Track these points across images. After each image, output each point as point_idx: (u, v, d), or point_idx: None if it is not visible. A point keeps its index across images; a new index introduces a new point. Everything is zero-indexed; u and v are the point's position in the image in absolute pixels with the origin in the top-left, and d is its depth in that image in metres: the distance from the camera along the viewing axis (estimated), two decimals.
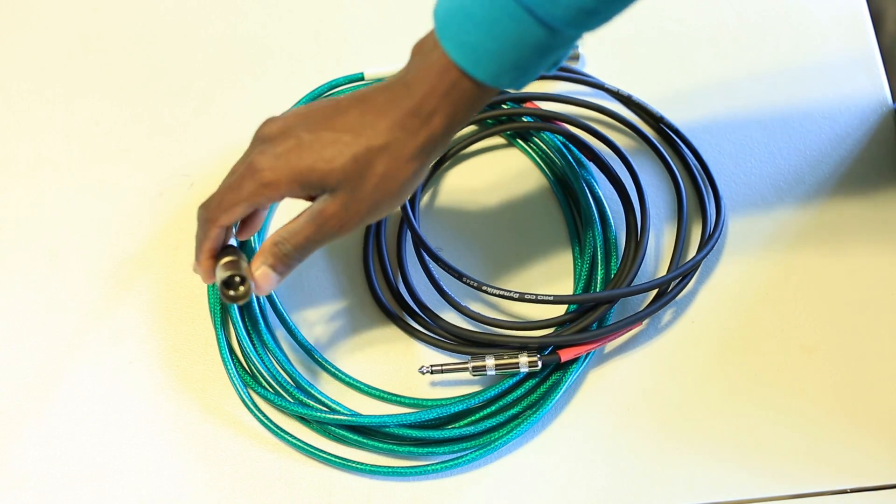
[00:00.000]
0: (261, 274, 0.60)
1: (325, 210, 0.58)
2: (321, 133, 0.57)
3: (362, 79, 0.76)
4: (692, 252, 0.73)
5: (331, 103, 0.59)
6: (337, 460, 0.66)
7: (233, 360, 0.68)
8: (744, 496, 0.66)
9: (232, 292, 0.60)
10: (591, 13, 0.52)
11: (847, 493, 0.66)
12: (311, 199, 0.59)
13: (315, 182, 0.57)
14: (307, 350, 0.69)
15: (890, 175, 0.76)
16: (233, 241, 0.64)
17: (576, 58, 0.80)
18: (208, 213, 0.60)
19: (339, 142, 0.56)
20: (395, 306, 0.71)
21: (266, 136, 0.59)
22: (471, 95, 0.55)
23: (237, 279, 0.60)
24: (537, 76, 0.56)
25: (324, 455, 0.66)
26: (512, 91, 0.76)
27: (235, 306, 0.69)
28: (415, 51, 0.57)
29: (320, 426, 0.67)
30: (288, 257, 0.60)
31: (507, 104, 0.76)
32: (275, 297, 0.70)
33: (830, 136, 0.78)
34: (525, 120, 0.76)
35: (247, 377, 0.68)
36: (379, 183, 0.57)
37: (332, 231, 0.59)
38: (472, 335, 0.68)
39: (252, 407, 0.67)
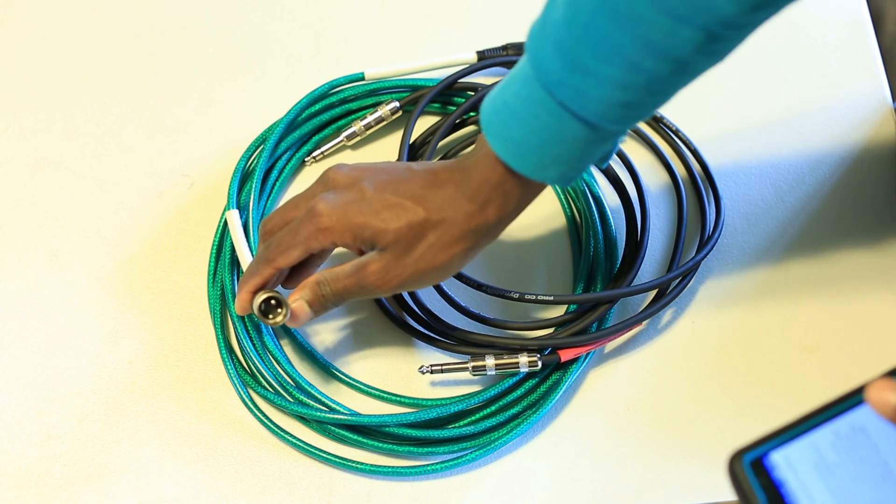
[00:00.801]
0: (297, 306, 0.62)
1: (368, 265, 0.60)
2: (385, 194, 0.59)
3: (362, 78, 0.77)
4: (692, 252, 0.73)
5: (401, 167, 0.61)
6: (337, 460, 0.66)
7: (232, 359, 0.68)
8: None
9: (270, 316, 0.62)
10: (625, 107, 0.52)
11: None
12: (361, 252, 0.61)
13: (367, 237, 0.59)
14: (307, 350, 0.69)
15: (890, 175, 0.76)
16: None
17: None
18: (268, 253, 0.62)
19: (400, 206, 0.59)
20: (394, 306, 0.71)
21: (333, 183, 0.61)
22: (519, 189, 0.57)
23: (273, 302, 0.62)
24: (585, 170, 0.58)
25: (324, 455, 0.66)
26: None
27: (234, 307, 0.69)
28: (477, 142, 0.59)
29: (320, 426, 0.67)
30: (325, 298, 0.62)
31: None
32: None
33: (830, 136, 0.78)
34: None
35: (247, 377, 0.68)
36: (425, 253, 0.59)
37: (371, 287, 0.61)
38: (471, 335, 0.68)
39: (252, 407, 0.67)
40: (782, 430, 0.45)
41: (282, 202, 0.75)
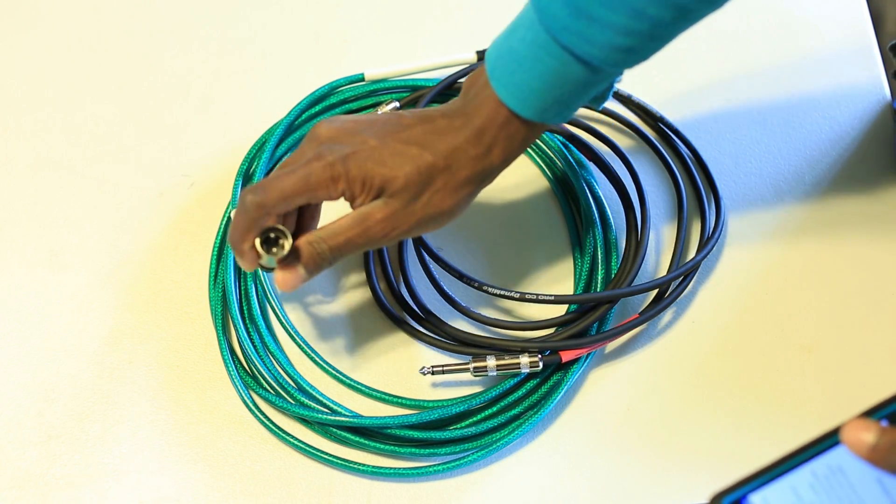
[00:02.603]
0: (286, 272, 0.59)
1: (372, 214, 0.59)
2: (388, 141, 0.59)
3: (362, 79, 0.77)
4: (692, 252, 0.73)
5: (393, 117, 0.60)
6: (338, 461, 0.66)
7: (233, 360, 0.68)
8: None
9: (274, 250, 0.58)
10: (627, 51, 0.54)
11: None
12: (354, 204, 0.60)
13: (377, 185, 0.58)
14: (308, 351, 0.69)
15: (889, 175, 0.76)
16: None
17: None
18: (264, 197, 0.57)
19: (406, 153, 0.58)
20: (395, 307, 0.71)
21: (329, 136, 0.59)
22: (521, 131, 0.58)
23: (273, 235, 0.58)
24: (578, 108, 0.59)
25: (324, 456, 0.66)
26: None
27: (236, 306, 0.69)
28: (467, 85, 0.59)
29: (322, 427, 0.67)
30: (321, 257, 0.59)
31: None
32: (275, 298, 0.70)
33: (830, 136, 0.78)
34: None
35: (248, 378, 0.68)
36: (433, 198, 0.59)
37: (376, 237, 0.59)
38: (473, 336, 0.68)
39: (253, 408, 0.67)
40: (761, 472, 0.46)
41: None
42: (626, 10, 0.52)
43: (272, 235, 0.58)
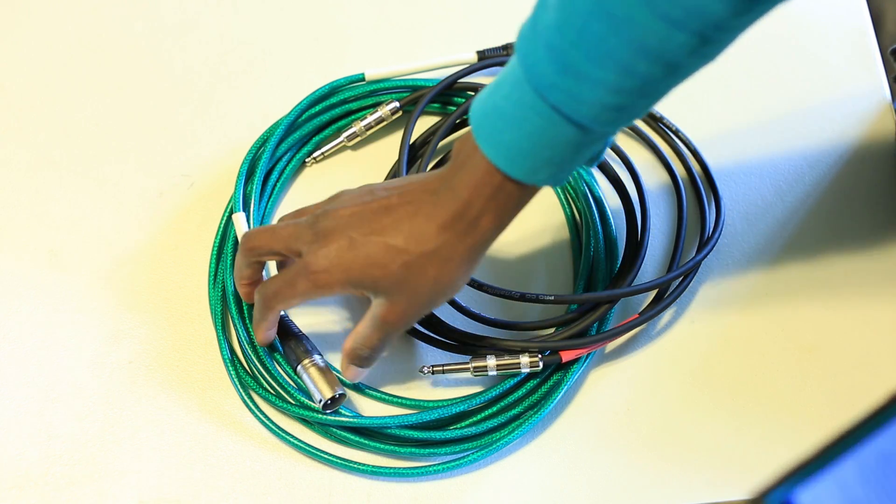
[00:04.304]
0: (352, 374, 0.65)
1: (385, 316, 0.61)
2: (372, 237, 0.59)
3: (363, 79, 0.77)
4: (692, 252, 0.73)
5: (379, 201, 0.60)
6: (338, 461, 0.66)
7: (233, 361, 0.68)
8: (744, 496, 0.66)
9: (335, 403, 0.66)
10: (618, 109, 0.52)
11: None
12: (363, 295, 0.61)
13: (367, 285, 0.59)
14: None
15: (890, 175, 0.76)
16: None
17: None
18: (265, 300, 0.63)
19: (391, 248, 0.58)
20: None
21: (319, 232, 0.60)
22: (514, 195, 0.56)
23: (334, 398, 0.65)
24: (574, 171, 0.58)
25: (325, 456, 0.66)
26: None
27: (236, 307, 0.69)
28: (456, 150, 0.58)
29: (322, 427, 0.67)
30: (368, 359, 0.64)
31: None
32: None
33: (830, 136, 0.78)
34: None
35: (248, 378, 0.68)
36: (432, 286, 0.59)
37: (398, 331, 0.62)
38: (473, 336, 0.68)
39: (253, 408, 0.67)
40: (804, 465, 0.42)
41: (282, 203, 0.75)
42: (615, 66, 0.50)
43: (334, 398, 0.65)
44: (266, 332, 0.66)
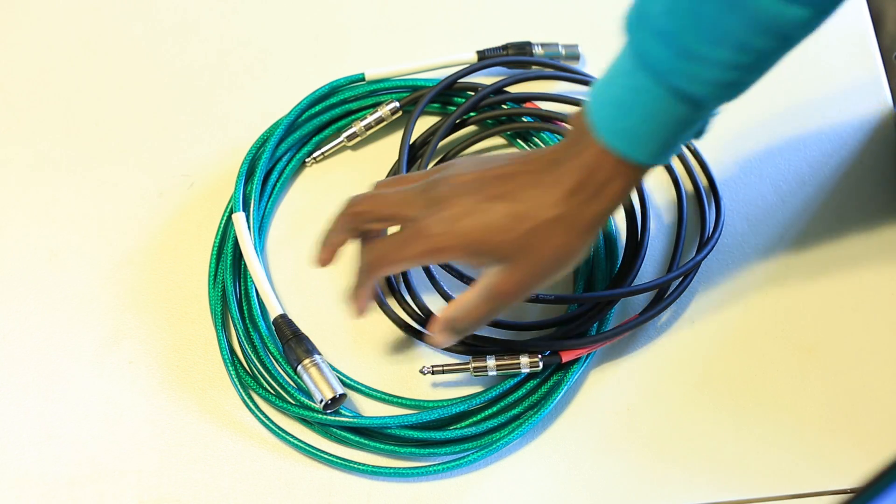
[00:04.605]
0: (440, 340, 0.63)
1: (500, 286, 0.58)
2: (495, 203, 0.57)
3: (363, 79, 0.77)
4: (692, 252, 0.73)
5: (499, 169, 0.59)
6: (338, 461, 0.66)
7: (233, 360, 0.68)
8: (744, 496, 0.66)
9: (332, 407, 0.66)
10: (732, 85, 0.53)
11: (847, 493, 0.66)
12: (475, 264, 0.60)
13: (487, 251, 0.57)
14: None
15: (890, 175, 0.76)
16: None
17: (576, 58, 0.80)
18: (371, 263, 0.62)
19: (515, 214, 0.57)
20: (396, 307, 0.71)
21: (433, 198, 0.59)
22: (631, 175, 0.56)
23: (337, 399, 0.65)
24: (681, 147, 0.59)
25: (325, 456, 0.66)
26: (512, 91, 0.77)
27: (236, 307, 0.69)
28: (571, 131, 0.57)
29: (322, 427, 0.67)
30: (466, 331, 0.62)
31: (507, 104, 0.76)
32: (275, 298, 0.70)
33: (830, 136, 0.78)
34: (525, 120, 0.76)
35: (247, 378, 0.68)
36: (556, 253, 0.57)
37: (507, 305, 0.60)
38: (473, 336, 0.68)
39: (253, 407, 0.67)
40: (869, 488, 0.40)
41: (282, 203, 0.75)
42: (731, 45, 0.51)
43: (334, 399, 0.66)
44: (364, 299, 0.64)
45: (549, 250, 0.57)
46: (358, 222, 0.63)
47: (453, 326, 0.62)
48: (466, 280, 0.67)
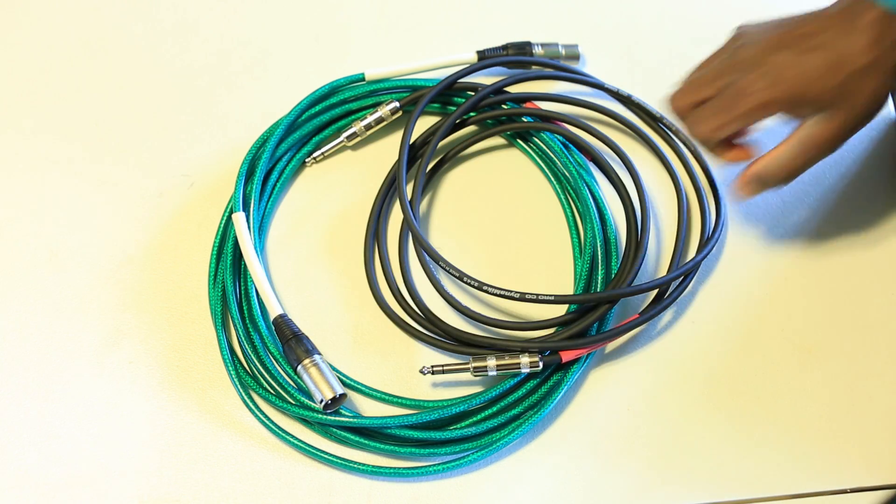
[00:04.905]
0: (746, 193, 0.67)
1: (820, 135, 0.63)
2: (808, 55, 0.61)
3: (363, 79, 0.77)
4: (692, 252, 0.73)
5: (800, 27, 0.63)
6: (338, 461, 0.66)
7: (233, 360, 0.68)
8: (744, 496, 0.66)
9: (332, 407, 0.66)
10: None
11: (847, 493, 0.66)
12: (789, 118, 0.64)
13: (808, 101, 0.62)
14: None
15: (890, 175, 0.76)
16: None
17: (576, 58, 0.80)
18: (707, 133, 0.66)
19: (830, 63, 0.61)
20: (396, 307, 0.71)
21: (745, 61, 0.63)
22: None
23: (337, 399, 0.65)
24: None
25: (325, 456, 0.66)
26: (512, 91, 0.77)
27: (236, 307, 0.69)
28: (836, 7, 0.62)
29: (322, 427, 0.67)
30: (776, 184, 0.67)
31: (507, 104, 0.76)
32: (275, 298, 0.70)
33: None
34: (525, 120, 0.76)
35: (248, 378, 0.68)
36: (869, 99, 0.62)
37: (823, 155, 0.64)
38: (473, 336, 0.68)
39: (253, 408, 0.67)
40: None
41: (282, 203, 0.75)
42: None
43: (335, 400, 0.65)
44: (730, 150, 0.68)
45: (865, 96, 0.61)
46: (696, 103, 0.66)
47: (763, 179, 0.66)
48: (466, 280, 0.67)
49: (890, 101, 0.78)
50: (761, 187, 0.67)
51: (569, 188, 0.75)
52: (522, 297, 0.67)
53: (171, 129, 0.77)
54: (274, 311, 0.68)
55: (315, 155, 0.76)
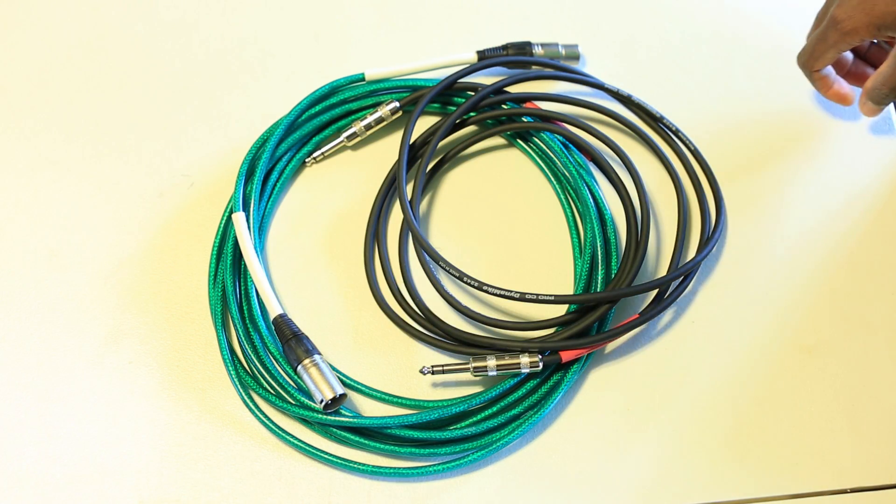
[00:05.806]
0: (868, 109, 0.74)
1: None
2: None
3: (363, 79, 0.77)
4: (692, 252, 0.73)
5: None
6: (338, 461, 0.66)
7: (233, 360, 0.68)
8: (744, 496, 0.66)
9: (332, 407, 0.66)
10: None
11: (847, 493, 0.66)
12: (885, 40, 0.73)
13: (891, 23, 0.68)
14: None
15: (890, 174, 0.76)
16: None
17: (576, 58, 0.80)
18: (807, 62, 0.74)
19: None
20: (396, 307, 0.71)
21: None
22: None
23: (337, 399, 0.65)
24: None
25: (324, 455, 0.66)
26: (512, 91, 0.77)
27: (236, 307, 0.69)
28: None
29: (322, 427, 0.67)
30: (886, 98, 0.73)
31: (507, 104, 0.76)
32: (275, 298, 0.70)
33: (830, 135, 0.78)
34: (525, 120, 0.76)
35: (248, 378, 0.68)
36: None
37: None
38: (473, 336, 0.68)
39: (253, 408, 0.67)
40: None
41: (282, 203, 0.75)
42: None
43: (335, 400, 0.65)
44: (835, 88, 0.76)
45: None
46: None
47: (874, 96, 0.72)
48: (466, 280, 0.67)
49: (887, 109, 0.78)
50: (877, 102, 0.73)
51: (569, 188, 0.75)
52: (522, 298, 0.67)
53: (171, 130, 0.77)
54: (274, 310, 0.68)
55: (315, 155, 0.76)
